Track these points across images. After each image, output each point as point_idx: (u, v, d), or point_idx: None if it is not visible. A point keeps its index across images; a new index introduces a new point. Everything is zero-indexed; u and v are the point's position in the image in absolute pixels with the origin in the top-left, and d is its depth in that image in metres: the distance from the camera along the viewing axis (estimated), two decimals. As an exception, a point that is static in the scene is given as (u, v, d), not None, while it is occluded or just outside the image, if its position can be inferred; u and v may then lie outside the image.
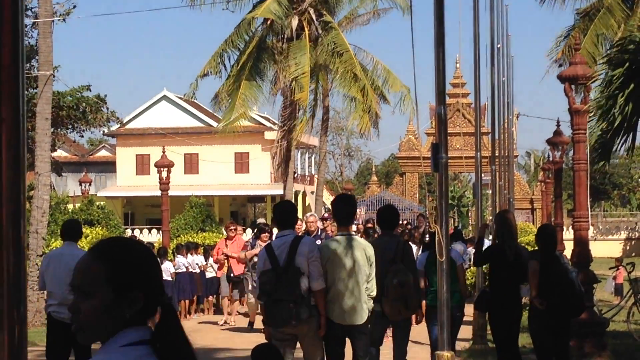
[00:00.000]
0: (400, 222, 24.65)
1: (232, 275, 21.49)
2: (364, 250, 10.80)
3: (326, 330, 10.41)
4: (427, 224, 33.92)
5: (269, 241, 11.16)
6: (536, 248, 13.21)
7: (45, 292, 12.63)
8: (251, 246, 20.78)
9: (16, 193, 1.29)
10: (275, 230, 16.55)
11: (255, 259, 17.52)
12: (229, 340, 19.43)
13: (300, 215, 21.61)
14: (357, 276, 10.59)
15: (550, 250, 12.81)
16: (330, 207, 16.89)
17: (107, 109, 40.24)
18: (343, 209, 11.48)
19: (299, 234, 11.21)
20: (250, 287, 19.27)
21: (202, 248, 25.85)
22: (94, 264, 3.00)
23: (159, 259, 22.29)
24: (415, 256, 16.93)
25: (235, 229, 23.06)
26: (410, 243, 19.84)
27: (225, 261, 21.94)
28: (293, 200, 41.49)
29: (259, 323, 17.03)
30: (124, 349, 2.98)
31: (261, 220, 30.05)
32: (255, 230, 22.04)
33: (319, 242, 13.94)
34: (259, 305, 12.33)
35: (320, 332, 10.33)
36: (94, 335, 3.08)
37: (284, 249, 10.14)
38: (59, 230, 30.14)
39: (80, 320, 2.94)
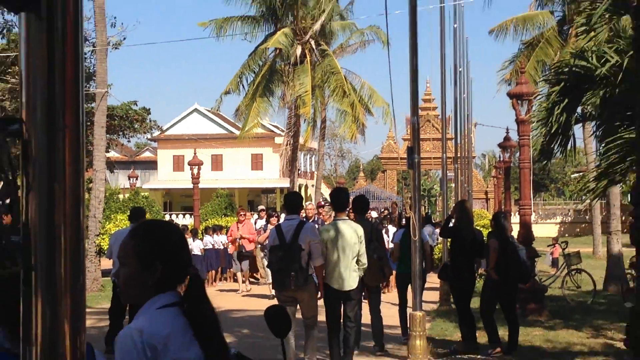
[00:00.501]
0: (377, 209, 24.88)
1: (243, 251, 21.83)
2: (355, 231, 10.94)
3: (325, 294, 10.67)
4: (403, 208, 34.03)
5: (279, 223, 11.28)
6: (491, 230, 13.20)
7: (112, 261, 12.79)
8: (263, 230, 21.14)
9: (77, 185, 1.28)
10: (282, 215, 16.91)
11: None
12: (245, 304, 19.43)
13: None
14: (351, 252, 10.80)
15: (504, 232, 13.01)
16: (327, 197, 16.97)
17: (150, 119, 40.30)
18: (339, 199, 11.65)
19: (302, 219, 11.27)
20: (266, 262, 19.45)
21: (225, 229, 25.87)
22: (128, 240, 3.14)
23: (191, 238, 22.55)
24: (391, 235, 17.11)
25: (245, 214, 23.25)
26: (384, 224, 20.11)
27: (238, 240, 22.07)
28: (297, 192, 41.60)
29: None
30: (159, 310, 3.03)
31: (261, 207, 30.83)
32: (268, 216, 22.25)
33: (316, 225, 14.07)
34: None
35: (319, 296, 10.59)
36: (130, 297, 3.26)
37: (290, 230, 10.26)
38: (112, 215, 30.53)
39: (119, 284, 3.16)
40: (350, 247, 10.79)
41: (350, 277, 10.81)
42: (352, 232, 10.93)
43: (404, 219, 15.72)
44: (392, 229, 19.19)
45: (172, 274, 3.10)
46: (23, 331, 1.30)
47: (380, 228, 15.20)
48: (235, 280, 23.69)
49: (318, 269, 10.41)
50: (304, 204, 13.98)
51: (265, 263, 18.62)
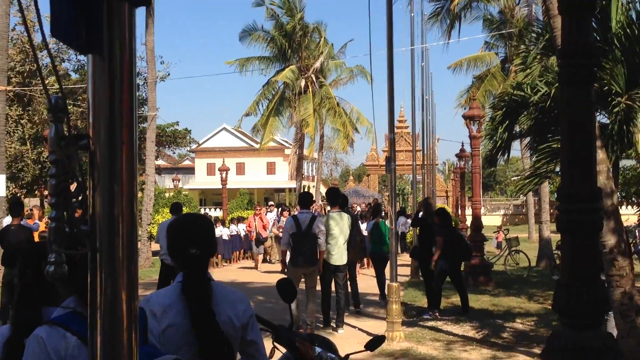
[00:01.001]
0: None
1: (260, 238, 22.07)
2: (347, 220, 11.46)
3: (323, 267, 10.94)
4: (382, 203, 34.02)
5: (295, 213, 11.54)
6: (438, 223, 13.38)
7: (159, 245, 12.91)
8: (277, 221, 21.57)
9: (131, 186, 1.28)
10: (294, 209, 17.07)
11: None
12: (260, 278, 19.40)
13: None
14: (343, 235, 11.34)
15: (448, 223, 13.70)
16: (324, 195, 17.13)
17: (189, 135, 40.45)
18: (333, 196, 11.96)
19: (313, 213, 11.41)
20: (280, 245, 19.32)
21: (246, 220, 25.90)
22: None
23: (220, 226, 22.52)
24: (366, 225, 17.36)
25: (260, 209, 23.90)
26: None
27: (255, 229, 22.25)
28: (300, 191, 41.75)
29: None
30: (173, 285, 3.12)
31: (271, 202, 30.43)
32: (280, 209, 22.37)
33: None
34: (282, 252, 12.62)
35: (320, 270, 10.85)
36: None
37: (305, 221, 10.56)
38: (160, 209, 30.67)
39: None
40: (343, 232, 11.31)
41: (343, 255, 11.33)
42: (345, 220, 11.46)
43: (378, 212, 15.77)
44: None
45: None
46: (90, 299, 1.30)
47: (357, 218, 15.55)
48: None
49: (321, 253, 10.69)
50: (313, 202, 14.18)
51: (278, 247, 19.01)
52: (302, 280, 10.72)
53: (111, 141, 1.28)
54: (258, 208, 23.93)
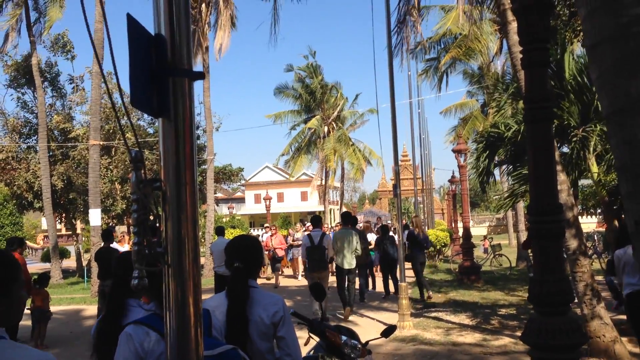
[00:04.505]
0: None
1: (276, 257, 18.60)
2: (353, 235, 11.81)
3: (336, 270, 11.73)
4: (391, 223, 33.78)
5: (309, 232, 11.63)
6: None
7: (212, 258, 12.93)
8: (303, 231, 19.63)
9: (194, 215, 1.31)
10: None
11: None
12: (298, 282, 19.22)
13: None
14: (350, 247, 11.67)
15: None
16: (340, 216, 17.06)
17: (240, 173, 40.75)
18: (345, 217, 12.61)
19: (323, 231, 11.62)
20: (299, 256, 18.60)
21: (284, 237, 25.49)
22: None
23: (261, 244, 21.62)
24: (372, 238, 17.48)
25: (275, 229, 19.79)
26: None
27: (271, 250, 18.45)
28: (327, 214, 41.64)
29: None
30: (223, 292, 3.23)
31: (298, 224, 26.88)
32: (307, 224, 19.84)
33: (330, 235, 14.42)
34: (302, 262, 12.94)
35: (330, 274, 11.68)
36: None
37: (317, 237, 10.98)
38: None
39: None
40: (350, 243, 11.67)
41: (351, 260, 11.73)
42: (352, 235, 11.84)
43: (390, 231, 15.97)
44: (373, 236, 18.40)
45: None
46: (165, 302, 1.33)
47: (366, 234, 16.11)
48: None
49: (330, 258, 11.20)
50: (323, 222, 14.36)
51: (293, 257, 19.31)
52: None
53: (177, 182, 1.31)
54: (273, 228, 19.81)
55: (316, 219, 11.63)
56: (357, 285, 13.59)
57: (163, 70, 1.31)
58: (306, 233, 13.74)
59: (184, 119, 1.32)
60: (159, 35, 1.31)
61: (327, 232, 13.57)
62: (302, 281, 19.03)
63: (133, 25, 1.27)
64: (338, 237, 11.78)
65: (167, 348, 1.33)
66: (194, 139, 1.34)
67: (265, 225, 23.50)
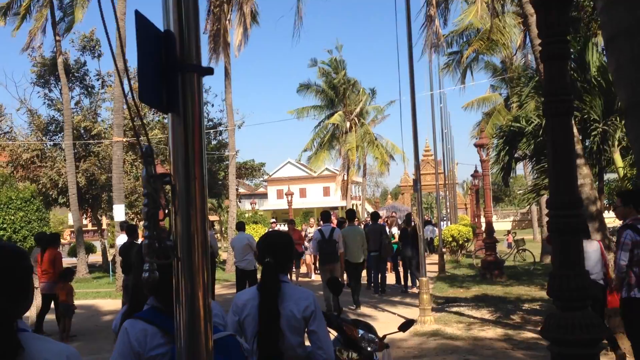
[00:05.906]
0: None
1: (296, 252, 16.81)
2: (360, 231, 12.64)
3: (346, 264, 12.01)
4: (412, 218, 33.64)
5: (320, 227, 11.66)
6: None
7: (233, 252, 13.03)
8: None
9: (202, 209, 1.32)
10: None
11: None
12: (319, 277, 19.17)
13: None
14: (358, 242, 12.26)
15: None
16: (358, 211, 16.96)
17: (263, 168, 40.88)
18: (350, 215, 12.95)
19: (333, 226, 11.92)
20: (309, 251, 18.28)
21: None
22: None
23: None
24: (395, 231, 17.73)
25: (294, 226, 18.90)
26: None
27: None
28: (350, 209, 41.57)
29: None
30: (255, 285, 3.25)
31: (312, 220, 27.31)
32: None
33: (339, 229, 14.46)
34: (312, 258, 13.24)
35: (341, 266, 11.51)
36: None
37: (327, 231, 11.33)
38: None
39: None
40: (359, 239, 12.30)
41: (359, 255, 12.28)
42: (359, 231, 12.61)
43: (412, 223, 15.87)
44: (395, 230, 18.84)
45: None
46: (175, 296, 1.35)
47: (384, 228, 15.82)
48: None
49: (341, 253, 11.43)
50: (332, 218, 14.44)
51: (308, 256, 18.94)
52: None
53: (186, 177, 1.33)
54: (291, 226, 18.76)
55: (325, 215, 11.91)
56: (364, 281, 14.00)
57: (172, 66, 1.32)
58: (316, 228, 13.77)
59: (193, 114, 1.33)
60: (168, 32, 1.32)
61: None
62: (315, 279, 18.90)
63: (142, 21, 1.29)
64: (345, 234, 11.95)
65: (177, 341, 1.35)
66: (203, 134, 1.35)
67: (272, 220, 22.90)
